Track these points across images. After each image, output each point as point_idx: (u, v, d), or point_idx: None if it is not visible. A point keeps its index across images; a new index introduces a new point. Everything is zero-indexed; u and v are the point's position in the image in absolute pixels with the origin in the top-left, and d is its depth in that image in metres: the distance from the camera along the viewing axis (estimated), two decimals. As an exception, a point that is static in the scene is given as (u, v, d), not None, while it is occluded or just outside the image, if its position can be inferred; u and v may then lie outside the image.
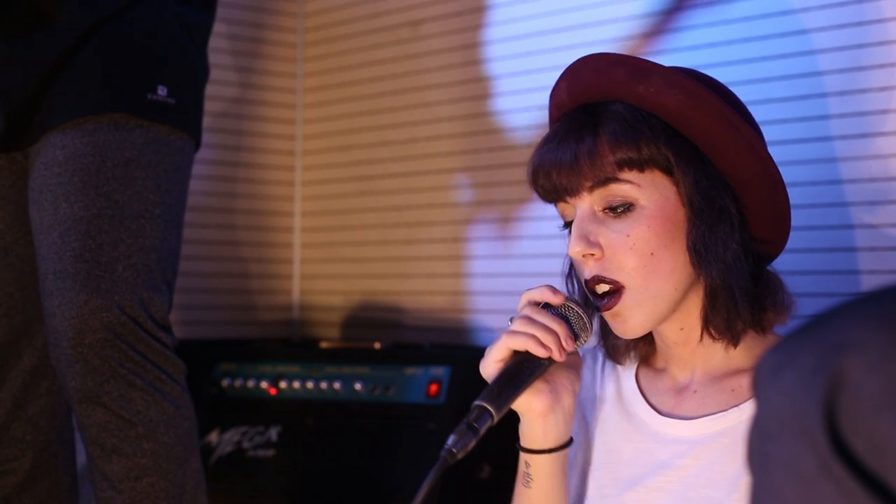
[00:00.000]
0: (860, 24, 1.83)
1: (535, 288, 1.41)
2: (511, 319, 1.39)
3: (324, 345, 2.49)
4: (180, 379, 1.88)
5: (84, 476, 2.12)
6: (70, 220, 1.83)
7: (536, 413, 1.39)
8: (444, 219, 2.49)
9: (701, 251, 1.36)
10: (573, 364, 1.42)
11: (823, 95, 1.86)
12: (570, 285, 1.49)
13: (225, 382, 2.38)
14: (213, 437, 2.34)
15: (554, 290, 1.40)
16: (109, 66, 1.89)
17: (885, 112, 1.80)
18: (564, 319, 1.38)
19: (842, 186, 1.82)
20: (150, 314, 1.85)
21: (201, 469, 1.90)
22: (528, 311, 1.38)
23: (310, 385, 2.29)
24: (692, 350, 1.42)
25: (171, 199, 1.91)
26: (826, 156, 1.85)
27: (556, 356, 1.36)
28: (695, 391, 1.43)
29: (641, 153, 1.36)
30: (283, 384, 2.32)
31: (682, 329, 1.41)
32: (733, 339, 1.40)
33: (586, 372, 1.52)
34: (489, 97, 2.42)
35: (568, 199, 1.40)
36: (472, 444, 1.31)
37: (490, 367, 1.38)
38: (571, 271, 1.49)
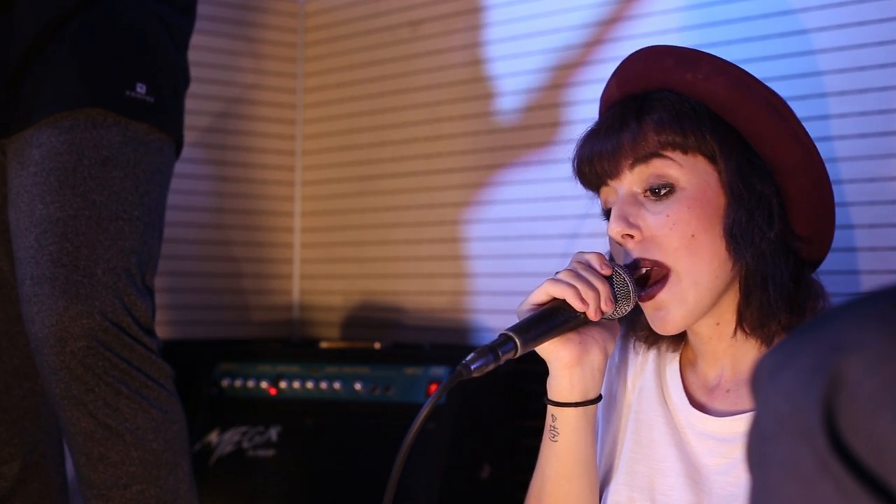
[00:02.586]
0: (860, 24, 1.83)
1: (589, 252, 1.40)
2: (557, 273, 1.39)
3: (324, 345, 2.49)
4: (167, 383, 1.83)
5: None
6: (46, 222, 1.78)
7: (564, 363, 1.39)
8: (443, 219, 2.49)
9: (737, 236, 1.36)
10: (610, 327, 1.42)
11: (823, 95, 1.86)
12: None
13: (225, 382, 2.38)
14: (213, 437, 2.34)
15: (605, 260, 1.39)
16: (86, 60, 1.85)
17: (885, 112, 1.80)
18: (609, 283, 1.38)
19: (842, 186, 1.82)
20: (134, 318, 1.80)
21: (192, 472, 1.87)
22: (577, 266, 1.38)
23: (310, 385, 2.29)
24: (725, 347, 1.42)
25: (151, 201, 1.86)
26: (826, 156, 1.84)
27: (592, 314, 1.36)
28: (727, 390, 1.43)
29: (687, 139, 1.37)
30: (283, 384, 2.32)
31: (717, 324, 1.42)
32: (766, 338, 1.39)
33: (631, 356, 1.52)
34: (489, 97, 2.42)
35: (609, 181, 1.41)
36: (491, 367, 1.31)
37: (526, 307, 1.38)
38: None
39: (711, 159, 1.38)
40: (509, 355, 1.32)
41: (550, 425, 1.42)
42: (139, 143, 1.85)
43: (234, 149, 2.73)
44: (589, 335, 1.39)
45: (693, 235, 1.36)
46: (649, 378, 1.49)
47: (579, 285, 1.35)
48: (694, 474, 1.41)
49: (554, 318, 1.36)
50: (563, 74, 2.26)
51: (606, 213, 1.44)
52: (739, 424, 1.39)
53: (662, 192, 1.37)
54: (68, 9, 1.84)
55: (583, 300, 1.35)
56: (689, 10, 2.06)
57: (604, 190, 1.43)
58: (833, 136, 1.84)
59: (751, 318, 1.39)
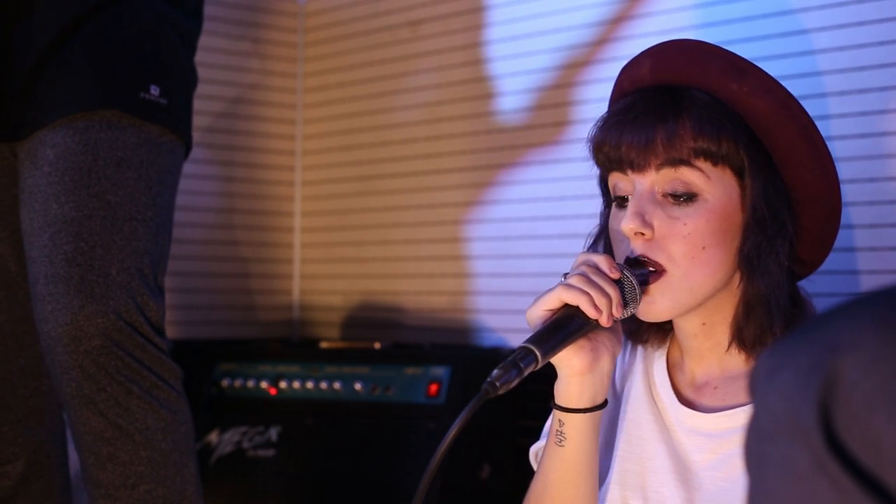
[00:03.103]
0: (860, 24, 1.83)
1: (597, 254, 1.38)
2: (564, 276, 1.38)
3: (324, 345, 2.49)
4: (176, 384, 1.84)
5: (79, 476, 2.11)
6: (61, 222, 1.78)
7: (575, 370, 1.38)
8: (443, 219, 2.49)
9: (754, 261, 1.36)
10: (616, 330, 1.41)
11: (823, 95, 1.86)
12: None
13: (225, 382, 2.38)
14: (213, 437, 2.34)
15: (613, 263, 1.37)
16: (101, 62, 1.86)
17: (884, 112, 1.80)
18: (619, 286, 1.36)
19: (842, 186, 1.82)
20: (146, 318, 1.81)
21: (198, 473, 1.88)
22: (587, 270, 1.36)
23: (310, 385, 2.29)
24: (710, 346, 1.42)
25: (162, 202, 1.87)
26: (826, 156, 1.85)
27: (604, 321, 1.35)
28: (715, 387, 1.43)
29: (721, 148, 1.35)
30: (283, 384, 2.32)
31: (703, 324, 1.41)
32: (757, 352, 1.39)
33: (619, 355, 1.51)
34: (489, 97, 2.42)
35: (630, 172, 1.38)
36: (515, 382, 1.30)
37: (537, 313, 1.37)
38: (597, 242, 1.47)
39: (738, 174, 1.36)
40: (531, 368, 1.31)
41: (557, 430, 1.42)
42: (152, 145, 1.87)
43: (234, 149, 2.73)
44: (599, 341, 1.39)
45: (704, 248, 1.35)
46: (637, 377, 1.49)
47: (592, 292, 1.34)
48: (684, 471, 1.41)
49: (568, 327, 1.35)
50: (563, 75, 2.26)
51: (611, 197, 1.42)
52: (728, 420, 1.39)
53: (683, 198, 1.36)
54: (84, 12, 1.85)
55: (596, 307, 1.34)
56: (689, 10, 2.06)
57: (618, 175, 1.40)
58: (833, 136, 1.84)
59: (749, 336, 1.38)
